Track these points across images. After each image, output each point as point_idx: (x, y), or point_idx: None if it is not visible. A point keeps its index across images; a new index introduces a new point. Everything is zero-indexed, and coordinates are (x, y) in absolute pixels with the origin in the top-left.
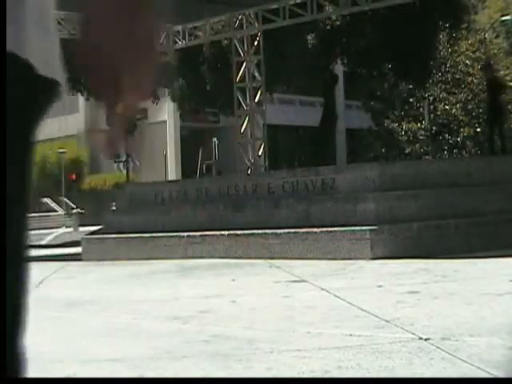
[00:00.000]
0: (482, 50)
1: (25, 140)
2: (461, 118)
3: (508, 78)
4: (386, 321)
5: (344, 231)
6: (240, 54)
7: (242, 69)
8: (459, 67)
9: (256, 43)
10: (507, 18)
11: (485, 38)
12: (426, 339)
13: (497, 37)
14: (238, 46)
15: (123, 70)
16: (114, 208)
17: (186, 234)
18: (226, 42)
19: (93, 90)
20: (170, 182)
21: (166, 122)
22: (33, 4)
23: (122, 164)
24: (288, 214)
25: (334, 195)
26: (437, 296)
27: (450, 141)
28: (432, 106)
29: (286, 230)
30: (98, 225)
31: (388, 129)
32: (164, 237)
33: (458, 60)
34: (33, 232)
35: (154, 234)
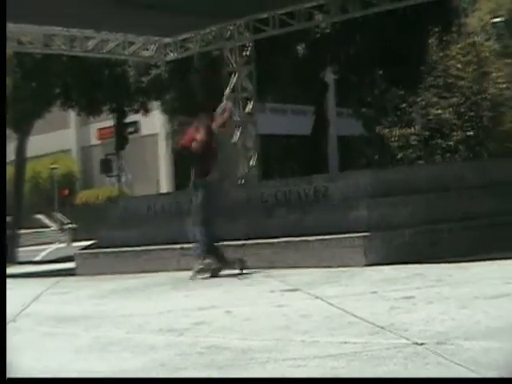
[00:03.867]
0: (474, 54)
1: None
2: (453, 121)
3: (500, 80)
4: (381, 327)
5: (337, 239)
6: (231, 65)
7: (234, 79)
8: (450, 71)
9: (247, 53)
10: (498, 19)
11: (476, 41)
12: (421, 344)
13: (488, 39)
14: (228, 56)
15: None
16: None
17: (179, 246)
18: (217, 53)
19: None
20: (163, 194)
21: (157, 134)
22: None
23: (114, 178)
24: (281, 223)
25: (326, 203)
26: (431, 301)
27: (443, 145)
28: (424, 111)
29: (280, 239)
30: (92, 240)
31: (380, 135)
32: (157, 250)
33: (449, 64)
34: (27, 248)
35: (148, 248)
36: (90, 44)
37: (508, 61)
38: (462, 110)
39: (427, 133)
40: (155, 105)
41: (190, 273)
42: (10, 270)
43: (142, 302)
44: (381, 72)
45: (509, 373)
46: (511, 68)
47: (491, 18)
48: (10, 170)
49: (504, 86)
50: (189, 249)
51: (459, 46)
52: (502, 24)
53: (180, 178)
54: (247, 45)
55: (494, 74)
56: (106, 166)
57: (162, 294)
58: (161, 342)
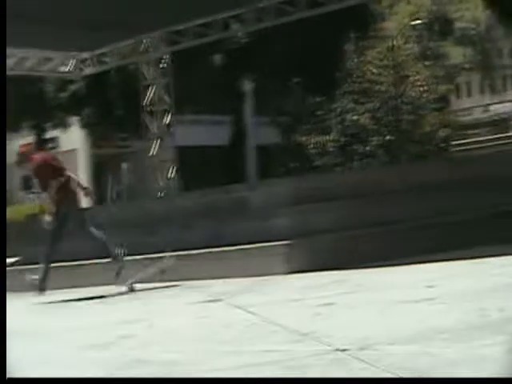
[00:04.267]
0: (391, 58)
1: None
2: (370, 127)
3: (419, 82)
4: (303, 334)
5: (258, 248)
6: (148, 78)
7: (151, 92)
8: (366, 77)
9: (164, 65)
10: (418, 22)
11: (393, 44)
12: (343, 350)
13: (406, 42)
14: (145, 69)
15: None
16: None
17: (97, 261)
18: (133, 66)
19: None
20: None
21: (77, 150)
22: None
23: (34, 195)
24: (201, 235)
25: (246, 213)
26: (354, 306)
27: (361, 150)
28: (341, 118)
29: (200, 251)
30: (15, 257)
31: (298, 143)
32: (80, 265)
33: (365, 69)
34: None
35: (72, 263)
36: (9, 62)
37: (427, 63)
38: (380, 114)
39: (345, 139)
40: (74, 120)
41: (113, 287)
42: None
43: (67, 318)
44: (298, 80)
45: (509, 373)
46: (430, 70)
47: (410, 21)
48: None
49: (423, 88)
50: (108, 263)
51: (377, 50)
52: (422, 26)
53: (100, 192)
54: (164, 57)
55: (412, 78)
56: (27, 183)
57: (86, 308)
58: (87, 357)
